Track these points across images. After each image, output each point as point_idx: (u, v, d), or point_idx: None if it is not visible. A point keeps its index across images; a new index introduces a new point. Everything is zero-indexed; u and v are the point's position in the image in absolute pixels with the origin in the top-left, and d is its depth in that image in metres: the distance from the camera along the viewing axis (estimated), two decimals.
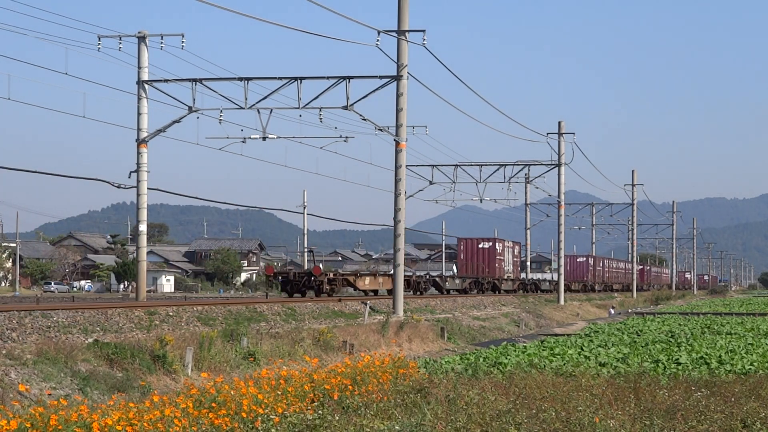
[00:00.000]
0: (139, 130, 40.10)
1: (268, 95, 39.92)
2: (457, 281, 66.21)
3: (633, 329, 41.71)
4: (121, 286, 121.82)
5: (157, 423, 12.61)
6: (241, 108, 39.92)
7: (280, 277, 48.00)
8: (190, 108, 40.38)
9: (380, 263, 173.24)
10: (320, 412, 14.07)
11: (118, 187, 40.44)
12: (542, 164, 69.51)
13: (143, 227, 41.23)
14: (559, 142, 68.31)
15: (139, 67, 39.75)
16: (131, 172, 40.25)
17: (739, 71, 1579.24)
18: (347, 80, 39.10)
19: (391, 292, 54.60)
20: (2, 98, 34.16)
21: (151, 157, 40.42)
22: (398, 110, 38.61)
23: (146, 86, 39.99)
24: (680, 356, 25.78)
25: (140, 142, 40.07)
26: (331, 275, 49.56)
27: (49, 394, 17.73)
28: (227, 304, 33.20)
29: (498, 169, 67.69)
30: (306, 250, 79.88)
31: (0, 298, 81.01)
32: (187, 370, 23.00)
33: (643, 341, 33.18)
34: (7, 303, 53.35)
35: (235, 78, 40.20)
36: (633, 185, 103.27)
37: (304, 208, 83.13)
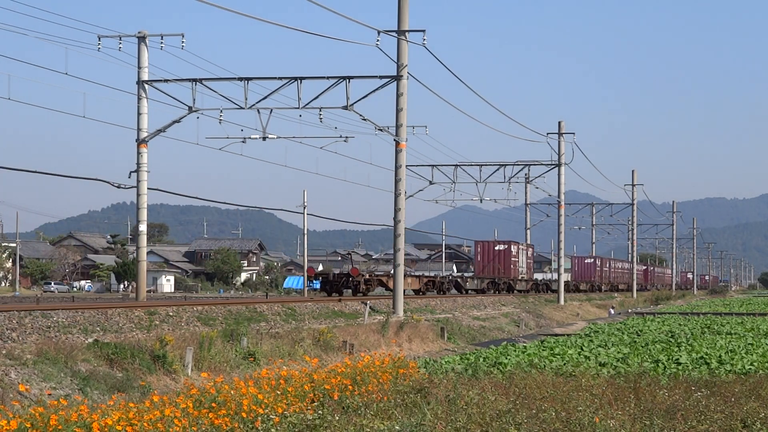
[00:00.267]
0: (139, 130, 40.11)
1: (268, 95, 39.94)
2: (476, 282, 68.53)
3: (633, 329, 41.71)
4: (121, 286, 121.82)
5: (157, 423, 12.61)
6: (241, 108, 39.93)
7: (320, 278, 51.74)
8: (190, 108, 40.39)
9: (380, 263, 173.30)
10: (320, 412, 14.07)
11: (118, 187, 40.45)
12: (542, 164, 69.59)
13: (143, 227, 41.24)
14: (559, 142, 68.33)
15: (139, 67, 39.76)
16: (131, 172, 40.27)
17: (739, 71, 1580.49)
18: (347, 80, 39.11)
19: (417, 292, 56.81)
20: (2, 98, 34.20)
21: (151, 157, 40.47)
22: (398, 110, 38.62)
23: (146, 86, 40.00)
24: (680, 356, 25.78)
25: (140, 142, 40.08)
26: (367, 276, 52.43)
27: (49, 394, 17.73)
28: (227, 304, 33.20)
29: (498, 169, 67.78)
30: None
31: (0, 298, 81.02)
32: (187, 370, 23.01)
33: (643, 341, 33.18)
34: (7, 303, 53.35)
35: (235, 78, 40.22)
36: (633, 185, 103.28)
37: (304, 208, 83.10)
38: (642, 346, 30.43)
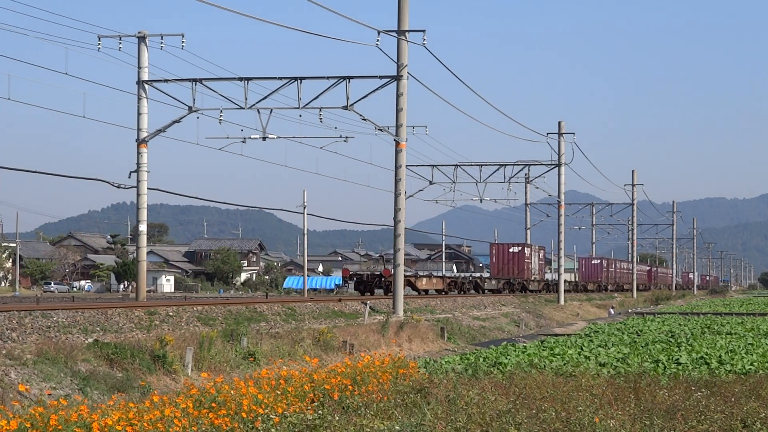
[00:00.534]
0: (139, 130, 40.11)
1: (268, 95, 39.94)
2: (493, 282, 71.69)
3: (633, 329, 41.71)
4: (121, 286, 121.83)
5: (157, 423, 12.60)
6: (241, 108, 39.93)
7: (354, 278, 55.80)
8: (190, 108, 40.39)
9: (380, 263, 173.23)
10: (320, 412, 14.07)
11: (118, 187, 40.45)
12: (542, 164, 69.58)
13: (143, 227, 41.24)
14: (559, 142, 68.32)
15: (139, 67, 39.76)
16: (131, 172, 40.27)
17: (740, 71, 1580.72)
18: (347, 80, 39.11)
19: (440, 292, 58.07)
20: (2, 98, 34.20)
21: (151, 157, 40.47)
22: (398, 110, 38.62)
23: (146, 86, 40.00)
24: (680, 356, 25.78)
25: (140, 142, 40.08)
26: None
27: (49, 394, 17.72)
28: (227, 304, 33.20)
29: (498, 169, 67.77)
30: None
31: (0, 298, 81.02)
32: (187, 370, 23.00)
33: (643, 341, 33.18)
34: (7, 303, 53.35)
35: (235, 78, 40.22)
36: (633, 185, 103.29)
37: (304, 208, 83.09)
38: (642, 346, 30.43)
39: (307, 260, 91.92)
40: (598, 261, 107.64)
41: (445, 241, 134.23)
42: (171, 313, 28.52)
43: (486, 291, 68.84)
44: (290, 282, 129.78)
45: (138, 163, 40.17)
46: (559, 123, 69.09)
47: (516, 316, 54.46)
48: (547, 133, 67.81)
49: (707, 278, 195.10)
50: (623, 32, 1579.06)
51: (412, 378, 18.63)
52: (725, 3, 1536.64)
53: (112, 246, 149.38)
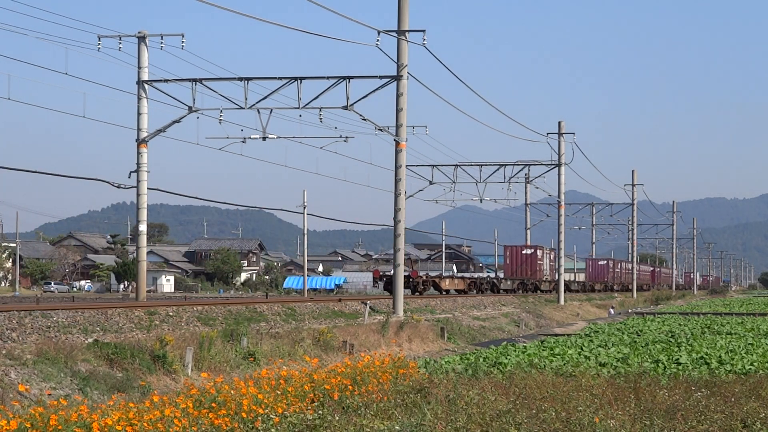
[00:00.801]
0: (139, 130, 40.11)
1: (268, 95, 39.94)
2: (508, 282, 74.67)
3: (633, 329, 41.70)
4: (121, 286, 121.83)
5: (157, 423, 12.60)
6: (241, 108, 39.93)
7: (384, 278, 58.50)
8: (190, 108, 40.38)
9: (380, 263, 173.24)
10: (320, 412, 14.07)
11: (118, 187, 40.45)
12: (542, 164, 69.56)
13: (143, 227, 41.23)
14: (559, 142, 68.31)
15: (139, 67, 39.75)
16: (131, 172, 40.27)
17: (740, 71, 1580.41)
18: (347, 80, 39.11)
19: (460, 292, 59.49)
20: (2, 98, 34.20)
21: (151, 157, 40.47)
22: (398, 110, 38.61)
23: (146, 86, 40.00)
24: (680, 356, 25.77)
25: (140, 142, 40.08)
26: (424, 277, 62.21)
27: (49, 394, 17.73)
28: (227, 304, 33.19)
29: (498, 169, 67.75)
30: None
31: (0, 298, 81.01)
32: (187, 370, 23.00)
33: (643, 341, 33.17)
34: (7, 303, 53.35)
35: (235, 78, 40.22)
36: (633, 185, 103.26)
37: (304, 208, 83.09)
38: (642, 346, 30.42)
39: (307, 260, 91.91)
40: (605, 262, 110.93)
41: (445, 241, 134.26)
42: (171, 313, 28.51)
43: (501, 291, 71.63)
44: (290, 282, 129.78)
45: (138, 163, 40.17)
46: (559, 123, 69.09)
47: (516, 316, 54.44)
48: (547, 133, 67.86)
49: (708, 278, 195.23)
50: (623, 32, 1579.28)
51: (412, 378, 18.63)
52: (726, 3, 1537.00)
53: (112, 246, 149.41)
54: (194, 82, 39.97)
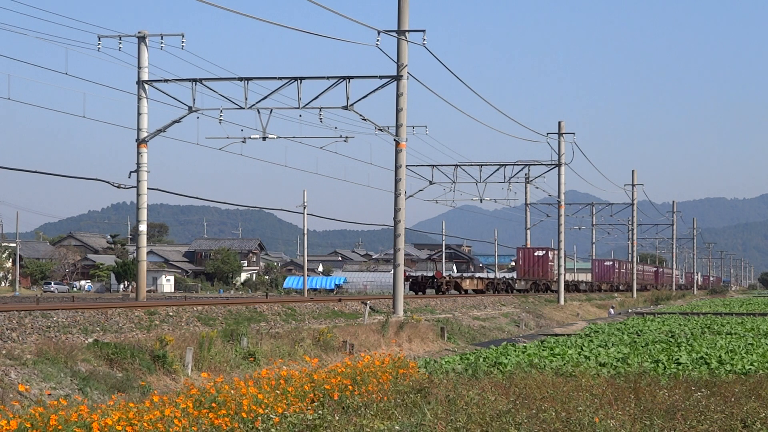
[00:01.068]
0: (139, 130, 40.11)
1: (268, 95, 39.94)
2: (522, 283, 77.99)
3: (633, 329, 41.70)
4: (121, 286, 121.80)
5: (157, 423, 12.60)
6: (241, 108, 39.93)
7: (410, 279, 63.49)
8: (190, 108, 40.38)
9: (380, 263, 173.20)
10: (320, 412, 14.07)
11: (118, 187, 40.45)
12: (542, 164, 69.56)
13: (143, 227, 41.23)
14: (559, 142, 68.29)
15: (139, 67, 39.75)
16: (131, 172, 40.28)
17: (740, 71, 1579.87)
18: (347, 80, 39.11)
19: (477, 292, 60.94)
20: (2, 98, 34.20)
21: (151, 157, 40.48)
22: (398, 110, 38.61)
23: (146, 86, 40.00)
24: (680, 356, 25.77)
25: (140, 142, 40.08)
26: (447, 278, 67.01)
27: (49, 394, 17.73)
28: (227, 304, 33.19)
29: (498, 169, 67.74)
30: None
31: (0, 298, 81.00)
32: (187, 370, 23.00)
33: (643, 341, 33.17)
34: (7, 303, 53.34)
35: (235, 78, 40.22)
36: (633, 185, 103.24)
37: (304, 208, 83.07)
38: (642, 346, 30.42)
39: (307, 260, 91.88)
40: (611, 263, 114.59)
41: (445, 241, 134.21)
42: (171, 313, 28.51)
43: (515, 291, 75.19)
44: (290, 282, 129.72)
45: (138, 163, 40.17)
46: (559, 123, 69.08)
47: (516, 316, 54.43)
48: (547, 133, 67.85)
49: (709, 278, 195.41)
50: (624, 32, 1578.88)
51: (412, 378, 18.62)
52: (726, 3, 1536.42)
53: (112, 246, 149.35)
54: (194, 82, 39.97)
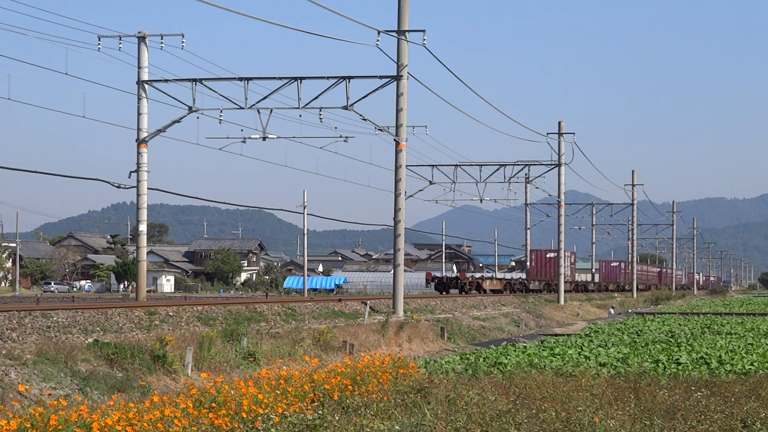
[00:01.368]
0: (139, 130, 40.11)
1: (268, 95, 39.94)
2: (535, 283, 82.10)
3: (633, 329, 41.70)
4: (121, 286, 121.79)
5: (157, 423, 12.60)
6: (241, 108, 39.93)
7: (435, 280, 69.21)
8: (190, 108, 40.38)
9: (380, 263, 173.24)
10: (320, 412, 14.06)
11: (118, 187, 40.44)
12: (542, 164, 69.52)
13: (143, 227, 41.23)
14: (559, 142, 68.27)
15: (139, 67, 39.75)
16: (131, 172, 40.27)
17: (740, 71, 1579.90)
18: (347, 80, 39.11)
19: (495, 292, 63.27)
20: (2, 98, 34.20)
21: (151, 157, 40.47)
22: (398, 110, 38.61)
23: (146, 86, 39.99)
24: (680, 356, 25.77)
25: (140, 142, 40.08)
26: (470, 279, 70.93)
27: (49, 394, 17.73)
28: (227, 304, 33.19)
29: (498, 169, 67.70)
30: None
31: (0, 298, 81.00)
32: (187, 370, 23.00)
33: (643, 341, 33.17)
34: (7, 303, 53.34)
35: (235, 78, 40.22)
36: (633, 185, 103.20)
37: (304, 208, 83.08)
38: (642, 346, 30.42)
39: (307, 260, 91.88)
40: (617, 263, 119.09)
41: (445, 241, 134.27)
42: (171, 313, 28.51)
43: (530, 291, 78.91)
44: (290, 282, 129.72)
45: (138, 163, 40.16)
46: (559, 123, 69.06)
47: (516, 316, 54.43)
48: (547, 133, 67.80)
49: (710, 278, 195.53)
50: (624, 32, 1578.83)
51: (412, 378, 18.62)
52: (726, 4, 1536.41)
53: (112, 246, 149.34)
54: (194, 82, 39.96)
